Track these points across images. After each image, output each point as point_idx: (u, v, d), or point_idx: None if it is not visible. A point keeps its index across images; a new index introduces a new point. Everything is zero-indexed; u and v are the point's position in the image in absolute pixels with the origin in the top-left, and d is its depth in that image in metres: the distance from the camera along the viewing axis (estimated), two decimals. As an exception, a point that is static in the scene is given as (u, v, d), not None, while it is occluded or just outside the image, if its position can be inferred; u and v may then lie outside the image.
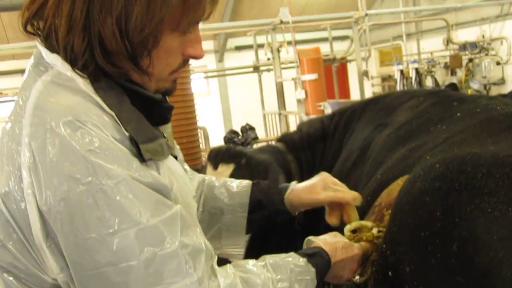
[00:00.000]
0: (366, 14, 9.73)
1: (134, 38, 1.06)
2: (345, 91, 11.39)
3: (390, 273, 1.24)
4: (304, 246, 1.44)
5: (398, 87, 12.15)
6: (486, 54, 11.82)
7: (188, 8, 1.09)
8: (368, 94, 12.78)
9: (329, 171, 1.95)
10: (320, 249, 1.35)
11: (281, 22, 8.58)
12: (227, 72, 12.93)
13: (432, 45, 13.50)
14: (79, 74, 1.09)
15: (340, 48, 12.50)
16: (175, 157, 1.28)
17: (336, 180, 1.62)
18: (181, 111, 4.91)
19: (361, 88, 9.46)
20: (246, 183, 1.69)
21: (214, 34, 14.44)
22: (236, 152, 2.37)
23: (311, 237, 1.43)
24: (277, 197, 1.64)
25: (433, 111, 1.98)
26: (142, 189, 1.02)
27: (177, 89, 1.32)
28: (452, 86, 6.19)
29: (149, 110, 1.17)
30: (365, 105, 2.49)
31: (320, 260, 1.32)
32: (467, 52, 11.92)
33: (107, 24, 1.05)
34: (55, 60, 1.11)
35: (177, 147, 1.54)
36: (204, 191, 1.67)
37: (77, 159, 0.99)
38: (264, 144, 3.28)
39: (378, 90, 14.69)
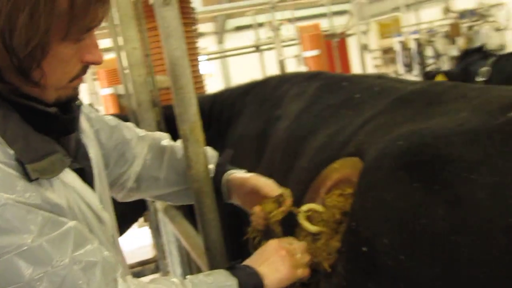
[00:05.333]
0: (364, -12, 9.76)
1: (20, 52, 1.03)
2: (346, 65, 11.43)
3: (364, 249, 1.28)
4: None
5: (399, 59, 12.19)
6: (485, 21, 11.82)
7: (75, 16, 1.06)
8: (370, 68, 12.83)
9: None
10: (238, 263, 1.35)
11: (281, 0, 8.63)
12: (228, 53, 12.97)
13: (432, 15, 13.49)
14: None
15: (340, 23, 12.51)
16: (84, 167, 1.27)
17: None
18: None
19: (362, 62, 9.52)
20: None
21: (213, 16, 14.46)
22: None
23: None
24: (218, 176, 1.67)
25: (325, 95, 1.97)
26: (28, 210, 1.01)
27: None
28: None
29: (47, 123, 1.15)
30: (243, 97, 2.51)
31: (242, 272, 1.30)
32: (466, 20, 11.91)
33: None
34: None
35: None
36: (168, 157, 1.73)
37: None
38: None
39: (379, 63, 14.70)
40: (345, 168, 1.50)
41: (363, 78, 2.03)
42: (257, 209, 1.52)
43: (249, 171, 1.73)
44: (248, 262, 1.36)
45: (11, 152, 1.03)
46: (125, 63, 2.84)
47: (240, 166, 1.81)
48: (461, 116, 1.30)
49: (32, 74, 1.07)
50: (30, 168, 1.03)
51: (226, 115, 2.61)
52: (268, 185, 1.57)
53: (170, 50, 1.50)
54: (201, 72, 4.51)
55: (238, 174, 1.68)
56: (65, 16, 1.04)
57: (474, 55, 5.99)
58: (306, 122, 1.93)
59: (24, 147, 1.06)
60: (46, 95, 1.13)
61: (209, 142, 1.68)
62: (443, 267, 1.11)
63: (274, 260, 1.35)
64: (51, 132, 1.15)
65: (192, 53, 3.79)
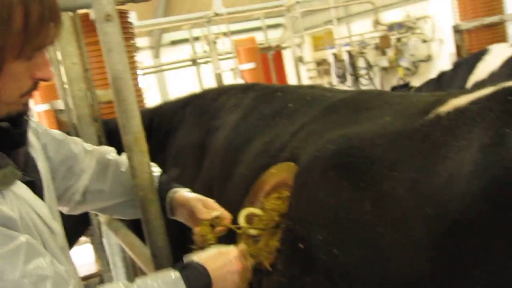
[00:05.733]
0: (297, 2, 10.00)
1: None
2: (282, 77, 11.65)
3: (301, 246, 1.38)
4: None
5: (332, 70, 12.54)
6: (413, 33, 12.35)
7: (29, 36, 1.10)
8: (305, 79, 13.13)
9: None
10: (193, 262, 1.37)
11: (216, 14, 8.74)
12: (164, 67, 12.95)
13: (362, 28, 13.96)
14: None
15: (274, 36, 12.76)
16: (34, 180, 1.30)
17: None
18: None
19: (297, 74, 9.75)
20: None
21: (149, 30, 14.41)
22: None
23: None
24: (163, 193, 1.73)
25: (261, 105, 2.09)
26: None
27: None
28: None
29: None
30: (182, 109, 2.61)
31: (192, 272, 1.33)
32: (395, 32, 12.40)
33: None
34: None
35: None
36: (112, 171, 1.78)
37: None
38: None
39: (314, 74, 15.05)
40: (281, 173, 1.60)
41: (296, 89, 2.17)
42: (197, 230, 1.59)
43: (190, 180, 1.80)
44: (204, 258, 1.39)
45: None
46: (64, 77, 2.85)
47: (181, 175, 1.87)
48: (385, 120, 1.43)
49: None
50: None
51: (165, 128, 2.67)
52: (203, 210, 1.61)
53: (113, 64, 1.56)
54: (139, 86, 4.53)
55: (181, 192, 1.73)
56: (20, 35, 1.09)
57: (400, 90, 6.51)
58: (244, 131, 2.03)
59: None
60: None
61: (150, 154, 1.73)
62: (372, 257, 1.22)
63: (229, 270, 1.39)
64: (1, 146, 1.19)
65: (132, 67, 3.82)
